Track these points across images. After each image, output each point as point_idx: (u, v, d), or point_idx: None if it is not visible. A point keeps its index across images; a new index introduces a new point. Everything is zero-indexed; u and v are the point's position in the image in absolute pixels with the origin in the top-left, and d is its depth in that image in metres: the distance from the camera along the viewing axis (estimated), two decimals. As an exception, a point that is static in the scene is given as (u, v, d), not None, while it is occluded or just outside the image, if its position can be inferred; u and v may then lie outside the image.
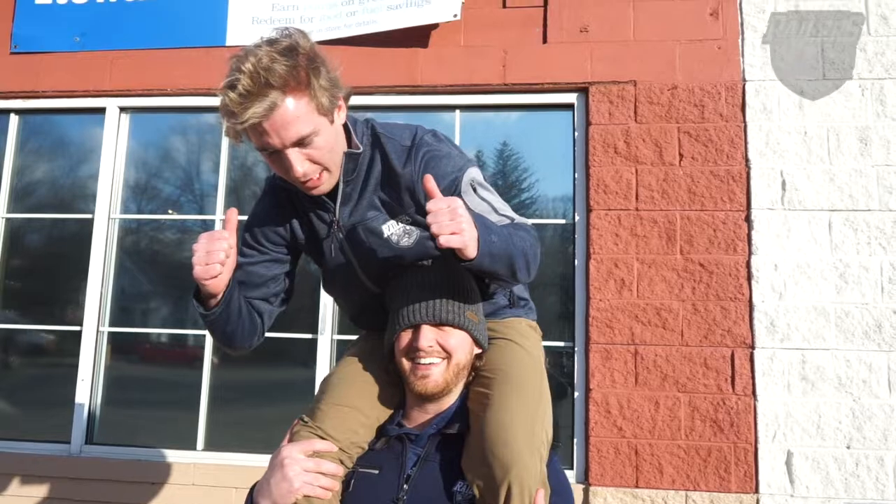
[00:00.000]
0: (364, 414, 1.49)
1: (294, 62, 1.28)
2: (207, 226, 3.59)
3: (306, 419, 1.48)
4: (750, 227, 3.08)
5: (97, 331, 3.46)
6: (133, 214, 3.66)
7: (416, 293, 1.46)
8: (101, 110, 3.63)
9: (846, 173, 3.08)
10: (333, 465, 1.40)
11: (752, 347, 2.99)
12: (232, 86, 1.25)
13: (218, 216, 3.53)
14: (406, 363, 1.45)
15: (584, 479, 3.03)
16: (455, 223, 1.22)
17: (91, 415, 3.43)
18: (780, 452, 2.93)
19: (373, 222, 1.50)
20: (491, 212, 1.43)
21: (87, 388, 3.41)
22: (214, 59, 3.49)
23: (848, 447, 2.91)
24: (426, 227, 1.40)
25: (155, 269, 3.72)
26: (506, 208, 1.48)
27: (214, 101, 3.87)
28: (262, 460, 2.83)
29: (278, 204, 1.55)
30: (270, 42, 1.31)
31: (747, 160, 3.13)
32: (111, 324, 3.52)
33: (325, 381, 1.60)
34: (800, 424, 2.93)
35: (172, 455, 3.30)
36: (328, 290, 1.74)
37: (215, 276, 1.32)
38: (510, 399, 1.42)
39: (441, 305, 1.44)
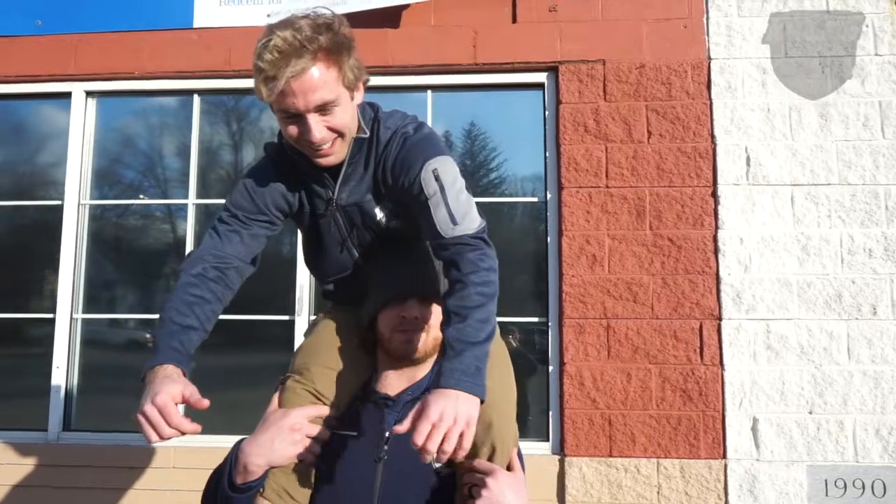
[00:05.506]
0: (346, 379, 1.58)
1: (330, 35, 1.36)
2: (174, 212, 3.57)
3: (297, 377, 1.55)
4: (716, 203, 3.16)
5: (70, 318, 3.44)
6: (104, 200, 3.62)
7: (402, 270, 1.57)
8: (67, 95, 3.57)
9: (808, 148, 3.17)
10: (325, 431, 1.49)
11: (720, 319, 3.09)
12: (268, 45, 1.30)
13: (190, 200, 3.51)
14: (390, 332, 1.54)
15: (560, 450, 3.12)
16: (448, 437, 1.21)
17: (68, 401, 3.41)
18: (745, 419, 3.04)
19: (367, 205, 1.56)
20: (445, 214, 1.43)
21: (63, 375, 3.39)
22: (181, 42, 3.45)
23: (810, 412, 3.03)
24: (400, 211, 1.55)
25: (125, 255, 3.68)
26: (464, 209, 1.44)
27: (183, 84, 3.78)
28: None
29: (281, 172, 1.59)
30: (311, 15, 1.39)
31: (713, 137, 3.20)
32: (84, 311, 3.50)
33: (307, 344, 1.67)
34: (764, 392, 3.04)
35: (152, 439, 3.30)
36: (311, 262, 1.78)
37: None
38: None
39: (427, 281, 1.56)
